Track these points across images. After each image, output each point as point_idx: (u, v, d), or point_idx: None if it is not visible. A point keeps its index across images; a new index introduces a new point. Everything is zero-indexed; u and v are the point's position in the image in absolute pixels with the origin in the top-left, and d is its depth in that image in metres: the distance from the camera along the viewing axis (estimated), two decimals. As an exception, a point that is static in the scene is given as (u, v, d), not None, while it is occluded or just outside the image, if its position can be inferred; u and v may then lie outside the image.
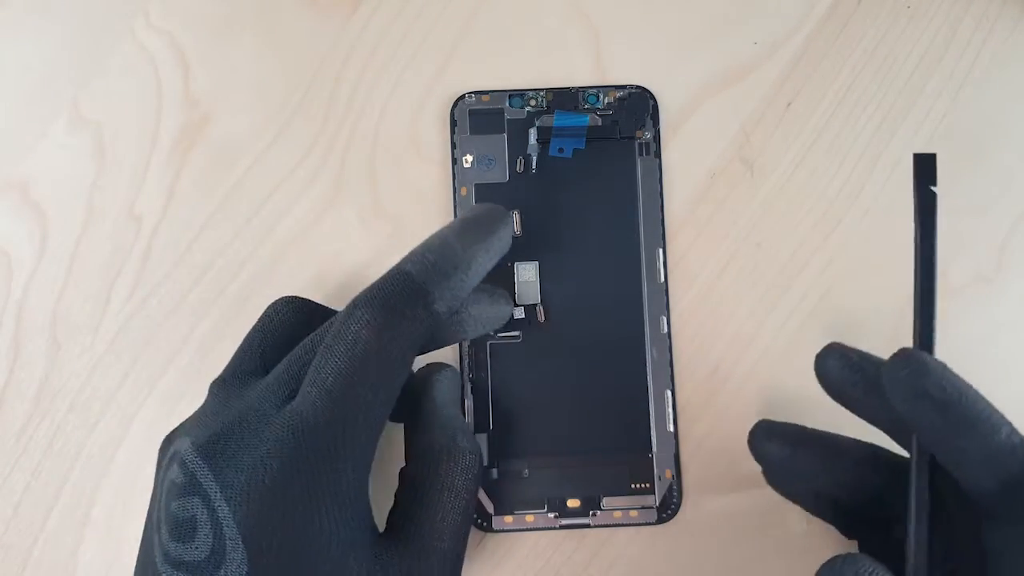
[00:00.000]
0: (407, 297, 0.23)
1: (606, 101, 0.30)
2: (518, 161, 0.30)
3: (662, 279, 0.29)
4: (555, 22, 0.31)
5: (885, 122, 0.30)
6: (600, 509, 0.29)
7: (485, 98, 0.30)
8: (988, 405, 0.21)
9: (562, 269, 0.29)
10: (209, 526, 0.21)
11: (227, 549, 0.21)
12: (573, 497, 0.29)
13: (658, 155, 0.30)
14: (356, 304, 0.23)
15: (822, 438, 0.25)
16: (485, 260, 0.24)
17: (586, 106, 0.30)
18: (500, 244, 0.25)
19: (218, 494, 0.21)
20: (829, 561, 0.22)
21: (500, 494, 0.29)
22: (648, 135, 0.30)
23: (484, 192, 0.30)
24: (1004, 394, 0.30)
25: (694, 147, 0.30)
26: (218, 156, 0.31)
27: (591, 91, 0.30)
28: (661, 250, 0.29)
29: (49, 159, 0.31)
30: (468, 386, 0.29)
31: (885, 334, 0.29)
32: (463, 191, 0.30)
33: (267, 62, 0.31)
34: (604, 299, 0.29)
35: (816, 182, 0.30)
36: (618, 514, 0.28)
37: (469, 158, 0.30)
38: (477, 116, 0.30)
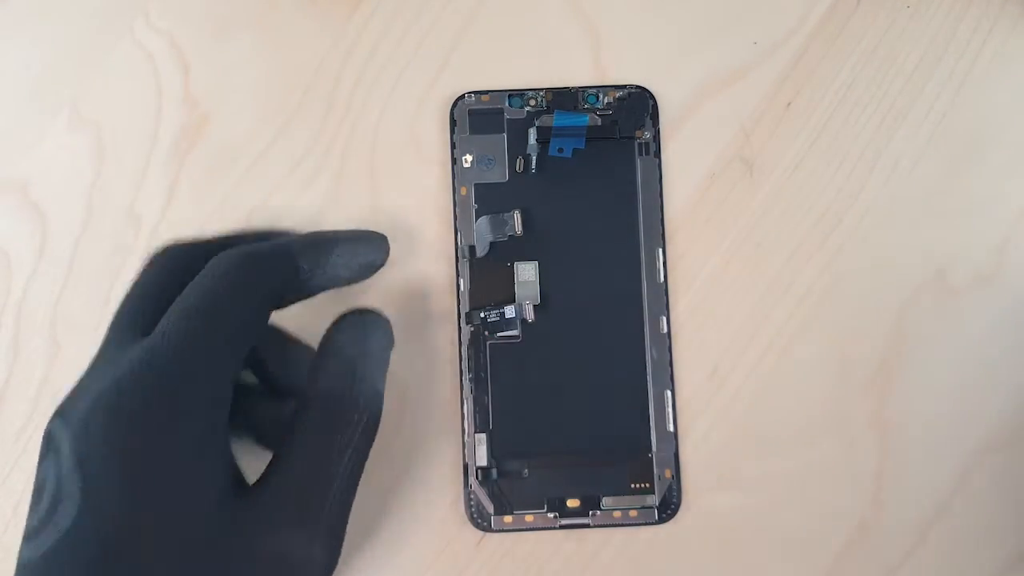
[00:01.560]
0: (272, 251, 0.23)
1: (606, 101, 0.30)
2: (518, 161, 0.30)
3: (662, 279, 0.29)
4: (555, 22, 0.31)
5: (885, 122, 0.30)
6: (600, 509, 0.28)
7: (485, 98, 0.30)
8: None
9: (562, 269, 0.29)
10: (53, 475, 0.20)
11: (64, 488, 0.19)
12: (573, 497, 0.29)
13: (658, 155, 0.30)
14: (221, 256, 0.23)
15: None
16: (353, 247, 0.25)
17: (586, 106, 0.30)
18: (369, 248, 0.25)
19: (63, 433, 0.20)
20: None
21: (500, 494, 0.29)
22: (648, 135, 0.30)
23: (484, 192, 0.30)
24: (1004, 394, 0.30)
25: (694, 147, 0.30)
26: (218, 156, 0.31)
27: (591, 91, 0.30)
28: (661, 250, 0.29)
29: (49, 159, 0.31)
30: (468, 386, 0.29)
31: (885, 334, 0.29)
32: (463, 191, 0.30)
33: (267, 62, 0.31)
34: (604, 299, 0.29)
35: (816, 182, 0.30)
36: (618, 514, 0.28)
37: (469, 158, 0.30)
38: (477, 116, 0.30)
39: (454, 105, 0.30)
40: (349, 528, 0.22)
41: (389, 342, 0.25)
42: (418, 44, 0.31)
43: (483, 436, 0.29)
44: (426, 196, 0.30)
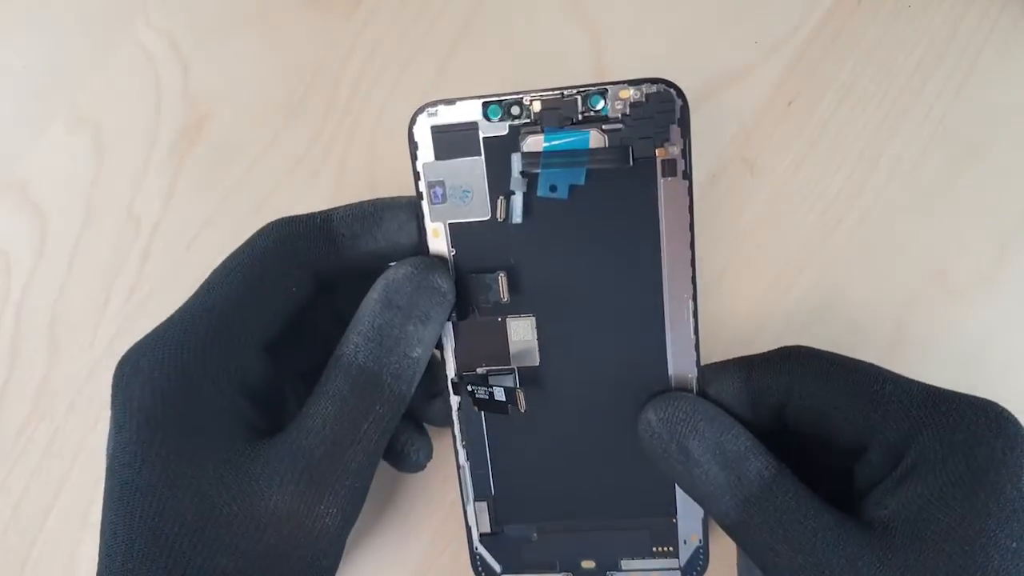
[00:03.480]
0: (309, 217, 0.24)
1: (617, 106, 0.22)
2: (499, 204, 0.23)
3: (691, 332, 0.23)
4: (554, 23, 0.31)
5: (885, 122, 0.30)
6: (619, 570, 0.26)
7: (452, 109, 0.23)
8: None
9: (565, 321, 0.24)
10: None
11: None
12: (588, 558, 0.26)
13: (688, 176, 0.23)
14: (264, 227, 0.24)
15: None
16: (398, 214, 0.24)
17: (590, 112, 0.22)
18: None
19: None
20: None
21: (506, 555, 0.26)
22: (675, 150, 0.22)
23: (461, 233, 0.23)
24: (1004, 394, 0.30)
25: (694, 147, 0.30)
26: (218, 156, 0.31)
27: (592, 91, 0.22)
28: (690, 298, 0.23)
29: (49, 159, 0.31)
30: (463, 452, 0.25)
31: (886, 334, 0.29)
32: (434, 233, 0.23)
33: (267, 62, 0.31)
34: (618, 356, 0.24)
35: (816, 182, 0.30)
36: None
37: (438, 191, 0.23)
38: (444, 135, 0.23)
39: (412, 123, 0.23)
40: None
41: (436, 300, 0.22)
42: (418, 45, 0.31)
43: (483, 504, 0.26)
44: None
